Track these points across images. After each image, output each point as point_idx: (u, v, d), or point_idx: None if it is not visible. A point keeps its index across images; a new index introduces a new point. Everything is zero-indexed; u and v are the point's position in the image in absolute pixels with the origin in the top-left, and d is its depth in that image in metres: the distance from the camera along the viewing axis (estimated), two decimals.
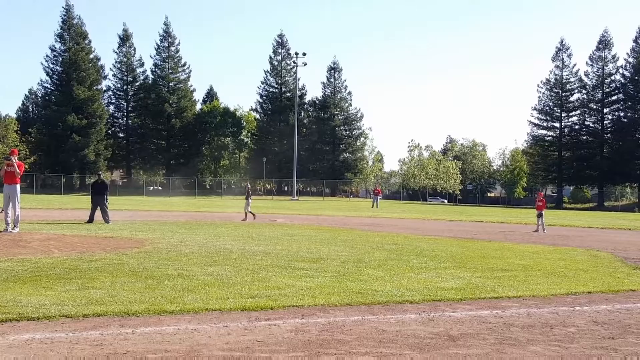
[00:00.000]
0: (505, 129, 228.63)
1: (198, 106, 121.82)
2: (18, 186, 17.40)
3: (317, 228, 26.59)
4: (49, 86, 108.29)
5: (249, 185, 36.34)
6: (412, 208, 68.12)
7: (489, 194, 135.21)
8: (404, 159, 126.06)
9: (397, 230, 26.72)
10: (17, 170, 17.34)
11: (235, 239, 19.07)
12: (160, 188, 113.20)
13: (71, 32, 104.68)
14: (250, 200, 32.82)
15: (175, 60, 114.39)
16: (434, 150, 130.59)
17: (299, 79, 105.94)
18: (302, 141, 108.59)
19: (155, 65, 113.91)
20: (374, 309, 8.83)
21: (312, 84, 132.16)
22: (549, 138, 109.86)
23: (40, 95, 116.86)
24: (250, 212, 31.89)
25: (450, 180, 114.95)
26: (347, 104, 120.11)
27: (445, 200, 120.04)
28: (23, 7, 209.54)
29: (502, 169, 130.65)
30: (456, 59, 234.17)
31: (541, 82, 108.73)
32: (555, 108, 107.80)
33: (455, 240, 22.06)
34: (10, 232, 16.61)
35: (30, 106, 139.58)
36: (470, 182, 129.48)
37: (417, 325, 7.85)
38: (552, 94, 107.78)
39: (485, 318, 8.44)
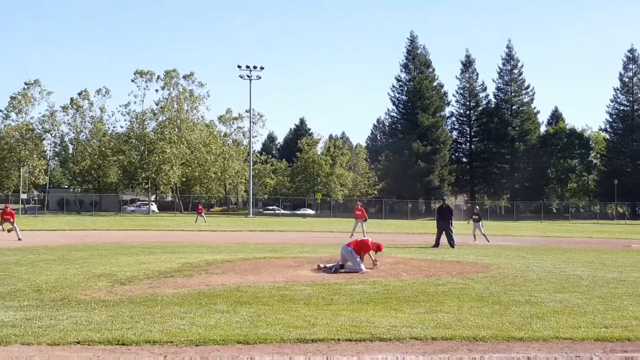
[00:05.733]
0: None
1: (542, 128, 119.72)
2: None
3: None
4: (395, 115, 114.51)
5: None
6: None
7: None
8: None
9: None
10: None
11: (586, 265, 18.12)
12: (503, 213, 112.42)
13: (415, 61, 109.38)
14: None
15: (519, 82, 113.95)
16: None
17: None
18: None
19: (497, 89, 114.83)
20: None
21: None
22: None
23: (387, 124, 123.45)
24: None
25: None
26: None
27: None
28: (381, 43, 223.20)
29: None
30: None
31: None
32: None
33: None
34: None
35: (378, 135, 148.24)
36: None
37: None
38: None
39: None
